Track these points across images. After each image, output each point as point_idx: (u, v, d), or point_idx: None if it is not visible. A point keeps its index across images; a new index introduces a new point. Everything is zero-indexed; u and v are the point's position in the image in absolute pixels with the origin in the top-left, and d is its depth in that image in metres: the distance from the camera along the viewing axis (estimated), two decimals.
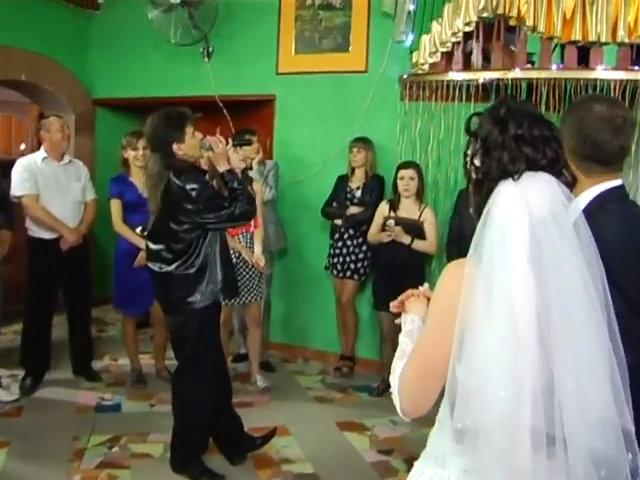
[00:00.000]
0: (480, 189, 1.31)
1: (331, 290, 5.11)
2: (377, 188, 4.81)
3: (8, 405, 4.09)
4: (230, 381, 3.50)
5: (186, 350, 3.14)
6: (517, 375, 1.20)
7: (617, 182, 1.66)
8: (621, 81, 3.98)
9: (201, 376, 3.16)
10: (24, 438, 3.64)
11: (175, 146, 2.99)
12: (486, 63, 4.41)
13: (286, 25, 5.35)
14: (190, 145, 3.03)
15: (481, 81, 4.37)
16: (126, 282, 4.38)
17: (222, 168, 3.08)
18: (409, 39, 4.82)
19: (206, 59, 5.61)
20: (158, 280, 3.17)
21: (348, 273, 4.83)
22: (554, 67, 4.15)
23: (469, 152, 1.33)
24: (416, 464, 1.52)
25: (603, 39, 3.97)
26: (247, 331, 4.71)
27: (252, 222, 4.08)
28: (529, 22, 4.10)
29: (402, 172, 4.42)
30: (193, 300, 3.06)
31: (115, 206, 4.38)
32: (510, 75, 4.24)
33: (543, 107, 4.04)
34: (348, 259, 4.82)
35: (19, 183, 4.24)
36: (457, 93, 4.47)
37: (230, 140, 3.21)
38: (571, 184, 1.29)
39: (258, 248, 4.36)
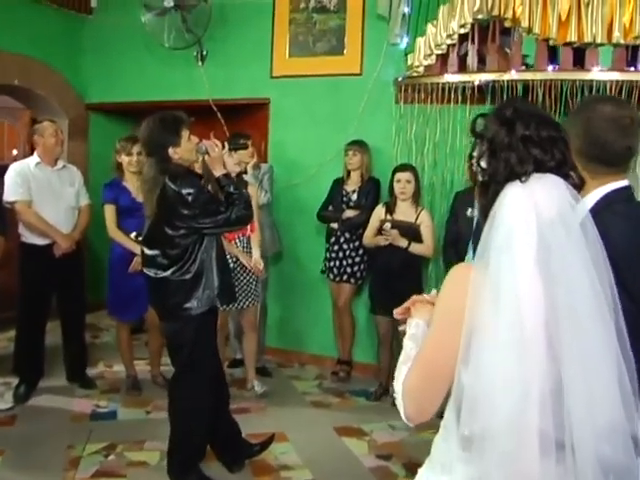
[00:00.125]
0: (486, 191, 1.29)
1: (327, 294, 5.08)
2: (373, 191, 4.79)
3: (2, 414, 4.04)
4: (227, 387, 3.46)
5: (183, 356, 3.10)
6: (525, 379, 1.18)
7: (623, 183, 1.64)
8: (617, 82, 3.98)
9: (198, 382, 3.12)
10: (18, 447, 3.59)
11: (171, 150, 2.96)
12: (481, 65, 4.40)
13: (280, 28, 5.32)
14: (186, 149, 3.00)
15: (477, 83, 4.35)
16: (120, 288, 4.34)
17: (218, 172, 3.05)
18: (404, 42, 4.82)
19: (200, 63, 5.58)
20: (154, 286, 3.13)
21: (344, 277, 4.81)
22: (550, 68, 4.14)
23: (475, 154, 1.31)
24: (420, 471, 1.50)
25: (599, 40, 3.96)
26: (243, 336, 4.67)
27: (248, 226, 4.04)
28: (524, 23, 4.09)
29: (398, 175, 4.39)
30: (189, 306, 3.02)
31: (109, 212, 4.34)
32: (506, 77, 4.23)
33: None
34: (344, 263, 4.79)
35: (12, 188, 4.19)
36: (452, 95, 4.46)
37: (226, 144, 3.17)
38: (579, 186, 1.26)
39: (256, 252, 4.34)
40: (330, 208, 4.90)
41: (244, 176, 4.42)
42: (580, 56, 4.08)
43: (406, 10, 4.76)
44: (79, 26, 6.13)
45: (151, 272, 3.09)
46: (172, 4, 5.26)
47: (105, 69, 6.07)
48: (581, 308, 1.19)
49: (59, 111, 5.92)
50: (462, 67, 4.45)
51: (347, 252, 4.79)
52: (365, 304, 4.91)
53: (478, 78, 4.35)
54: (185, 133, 2.99)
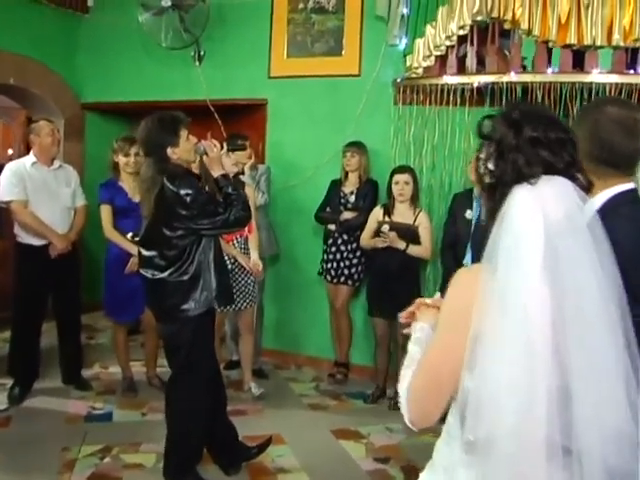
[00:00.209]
0: (494, 194, 1.27)
1: (324, 296, 5.06)
2: (371, 193, 4.77)
3: None
4: (224, 389, 3.43)
5: (180, 358, 3.07)
6: (531, 385, 1.17)
7: (629, 185, 1.63)
8: (616, 84, 3.98)
9: (195, 384, 3.09)
10: (12, 449, 3.56)
11: (169, 150, 2.93)
12: (480, 67, 4.39)
13: (278, 29, 5.30)
14: (184, 149, 2.97)
15: (476, 85, 4.35)
16: (117, 289, 4.31)
17: (217, 173, 3.02)
18: (402, 43, 4.80)
19: (197, 63, 5.55)
20: (151, 287, 3.10)
21: (342, 279, 4.79)
22: (549, 71, 4.13)
23: (482, 156, 1.29)
24: (422, 475, 1.49)
25: (598, 42, 3.97)
26: (239, 337, 4.65)
27: (246, 227, 4.02)
28: (524, 25, 4.09)
29: (397, 177, 4.38)
30: (187, 308, 2.99)
31: (105, 212, 4.31)
32: (505, 79, 4.22)
33: None
34: (342, 264, 4.77)
35: (7, 188, 4.16)
36: (451, 97, 4.45)
37: (225, 145, 3.15)
38: (587, 188, 1.25)
39: (254, 253, 4.32)
40: (328, 209, 4.87)
41: (241, 177, 4.38)
42: (580, 58, 4.08)
43: (405, 11, 4.75)
44: (76, 25, 6.10)
45: (148, 273, 3.06)
46: (170, 4, 5.23)
47: (102, 68, 6.03)
48: (589, 313, 1.17)
49: (55, 110, 5.88)
50: (461, 69, 4.44)
51: (345, 254, 4.77)
52: (362, 306, 4.89)
53: (477, 80, 4.35)
54: (183, 133, 2.97)
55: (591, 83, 4.01)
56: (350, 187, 4.82)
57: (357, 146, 4.78)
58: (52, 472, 3.34)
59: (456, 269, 4.31)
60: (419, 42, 4.52)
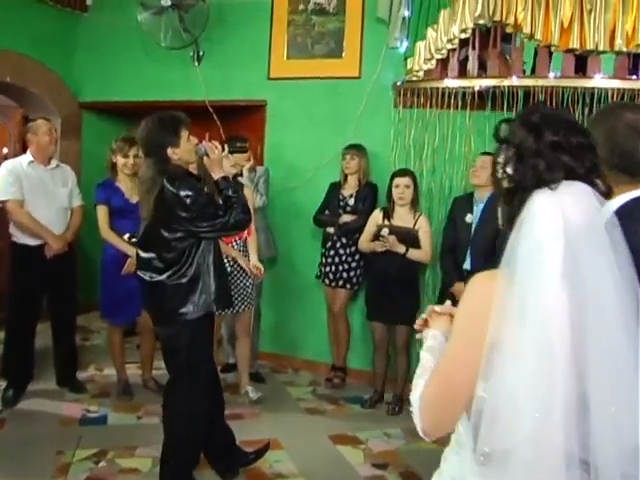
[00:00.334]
0: (512, 199, 1.24)
1: (322, 299, 5.03)
2: (370, 196, 4.74)
3: None
4: (222, 393, 3.39)
5: (178, 361, 3.02)
6: (550, 395, 1.14)
7: None
8: (618, 90, 3.97)
9: (194, 387, 3.05)
10: (5, 452, 3.51)
11: (170, 150, 2.89)
12: (481, 71, 4.37)
13: (278, 30, 5.27)
14: (185, 150, 2.93)
15: (477, 88, 4.33)
16: (113, 290, 4.26)
17: (217, 175, 2.98)
18: (403, 45, 4.77)
19: (196, 63, 5.51)
20: (148, 290, 3.06)
21: (340, 282, 4.75)
22: (551, 75, 4.11)
23: (500, 160, 1.26)
24: None
25: (601, 47, 3.96)
26: (236, 340, 4.60)
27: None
28: (526, 29, 4.08)
29: (397, 180, 4.34)
30: (185, 311, 2.95)
31: (102, 212, 4.26)
32: (506, 83, 4.21)
33: None
34: (340, 268, 4.73)
35: (3, 187, 4.11)
36: (452, 100, 4.43)
37: (226, 146, 3.11)
38: (605, 194, 1.22)
39: (254, 256, 4.29)
40: (326, 212, 4.84)
41: (239, 178, 4.37)
42: (582, 63, 4.06)
43: (406, 13, 4.72)
44: (74, 24, 6.04)
45: (146, 275, 3.02)
46: (169, 3, 5.19)
47: (100, 68, 5.98)
48: (608, 320, 1.15)
49: (52, 109, 5.82)
50: (462, 72, 4.42)
51: (343, 257, 4.73)
52: (360, 310, 4.86)
53: (478, 84, 4.32)
54: (184, 134, 2.93)
55: (593, 88, 4.01)
56: (349, 190, 4.79)
57: (357, 149, 4.75)
58: (46, 476, 3.28)
59: (456, 274, 4.31)
60: (420, 45, 4.50)
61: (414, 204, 4.38)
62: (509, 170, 1.24)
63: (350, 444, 3.90)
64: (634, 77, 3.98)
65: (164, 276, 2.97)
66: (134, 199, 4.24)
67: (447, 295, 4.10)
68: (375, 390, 4.56)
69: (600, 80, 4.00)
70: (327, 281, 4.81)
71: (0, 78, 5.39)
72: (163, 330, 3.12)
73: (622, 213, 1.53)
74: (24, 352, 4.30)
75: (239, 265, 4.25)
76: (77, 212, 4.43)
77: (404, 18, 4.73)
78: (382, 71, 4.87)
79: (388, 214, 4.40)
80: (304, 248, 5.18)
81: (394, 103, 4.78)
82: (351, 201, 4.76)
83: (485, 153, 4.11)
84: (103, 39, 5.93)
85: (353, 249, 4.70)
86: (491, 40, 4.29)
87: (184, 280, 2.95)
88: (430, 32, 4.42)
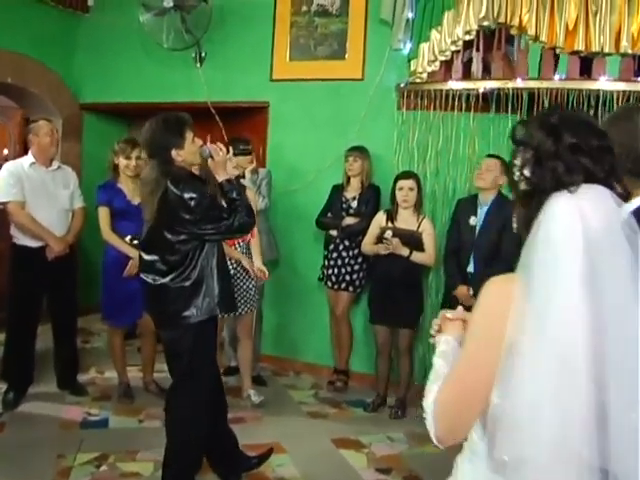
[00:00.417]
0: (529, 201, 1.21)
1: (324, 302, 5.00)
2: (373, 198, 4.71)
3: None
4: (225, 396, 3.36)
5: (181, 365, 2.99)
6: (567, 404, 1.12)
7: None
8: (624, 92, 3.93)
9: (196, 391, 3.01)
10: (6, 456, 3.47)
11: (174, 152, 2.86)
12: (485, 73, 4.35)
13: (281, 31, 5.25)
14: (189, 151, 2.90)
15: (481, 91, 4.30)
16: (115, 292, 4.23)
17: (221, 177, 2.95)
18: (407, 47, 4.75)
19: (198, 64, 5.49)
20: (151, 293, 3.02)
21: (343, 285, 4.72)
22: (556, 77, 4.09)
23: (517, 162, 1.24)
24: None
25: (606, 50, 3.93)
26: (238, 343, 4.57)
27: None
28: (531, 31, 4.05)
29: (401, 182, 4.31)
30: (189, 314, 2.91)
31: (103, 214, 4.23)
32: (511, 85, 4.18)
33: None
34: (343, 270, 4.70)
35: (5, 188, 4.08)
36: (456, 102, 4.40)
37: (231, 149, 3.08)
38: (624, 197, 1.19)
39: (258, 259, 4.26)
40: (329, 215, 4.81)
41: (242, 180, 4.34)
42: (587, 65, 4.04)
43: (410, 15, 4.70)
44: (75, 25, 6.02)
45: (149, 278, 2.99)
46: (171, 4, 5.17)
47: (101, 69, 5.96)
48: (628, 328, 1.12)
49: (53, 110, 5.80)
50: (466, 74, 4.39)
51: (346, 260, 4.70)
52: (363, 313, 4.83)
53: (483, 86, 4.30)
54: (189, 135, 2.90)
55: (598, 90, 3.97)
56: (352, 192, 4.76)
57: (360, 151, 4.72)
58: None
59: (459, 277, 4.27)
60: (424, 47, 4.47)
61: (418, 207, 4.36)
62: (526, 172, 1.22)
63: (353, 448, 3.87)
64: (639, 79, 3.95)
65: (167, 279, 2.93)
66: (136, 201, 4.22)
67: (451, 298, 4.09)
68: (378, 394, 4.53)
69: (605, 82, 3.97)
70: (330, 284, 4.78)
71: (1, 78, 5.37)
72: (166, 333, 3.09)
73: (637, 216, 1.51)
74: (24, 354, 4.27)
75: (242, 267, 4.22)
76: (78, 214, 4.40)
77: (408, 19, 4.70)
78: (385, 73, 4.85)
79: (392, 216, 4.37)
80: (306, 250, 5.15)
81: (397, 105, 4.76)
82: (354, 203, 4.73)
83: (490, 156, 4.09)
84: (104, 40, 5.91)
85: (356, 252, 4.67)
86: (495, 42, 4.27)
87: (187, 283, 2.92)
88: (434, 34, 4.39)
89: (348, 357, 4.92)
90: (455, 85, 4.38)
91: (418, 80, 4.55)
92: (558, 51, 4.06)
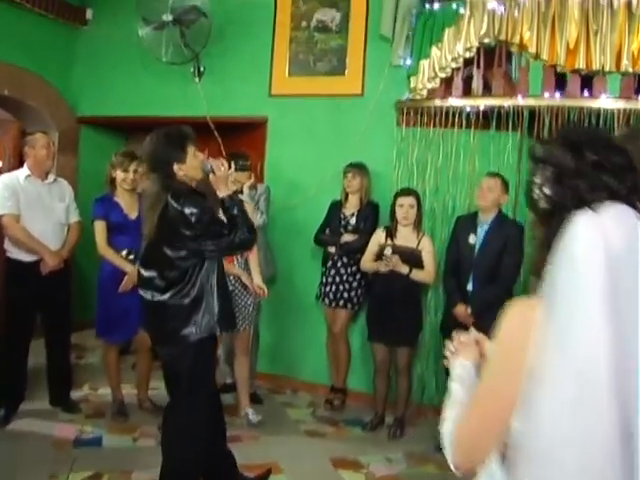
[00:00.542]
0: (550, 220, 1.18)
1: (321, 319, 4.95)
2: (372, 215, 4.68)
3: None
4: (223, 415, 3.29)
5: (179, 383, 2.93)
6: (591, 429, 1.08)
7: None
8: (624, 110, 3.93)
9: (195, 409, 2.95)
10: None
11: (175, 166, 2.81)
12: (486, 90, 4.34)
13: (280, 47, 5.24)
14: (191, 166, 2.86)
15: (481, 108, 4.29)
16: (110, 308, 4.16)
17: (222, 193, 2.91)
18: (407, 63, 4.73)
19: (197, 79, 5.47)
20: (150, 310, 2.96)
21: (341, 302, 4.67)
22: (557, 95, 4.08)
23: (537, 180, 1.20)
24: None
25: (607, 68, 3.93)
26: (234, 360, 4.50)
27: None
28: (532, 49, 4.06)
29: (401, 200, 4.28)
30: (187, 333, 2.85)
31: (100, 228, 4.18)
32: (511, 102, 4.17)
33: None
34: (341, 288, 4.66)
35: None
36: (456, 119, 4.39)
37: (232, 164, 3.05)
38: None
39: (257, 276, 4.20)
40: (327, 231, 4.78)
41: (240, 196, 4.29)
42: (588, 83, 4.04)
43: (410, 32, 4.69)
44: (73, 37, 6.01)
45: (147, 294, 2.93)
46: (171, 18, 5.16)
47: (98, 82, 5.94)
48: None
49: (50, 123, 5.77)
50: (466, 91, 4.38)
51: (344, 277, 4.66)
52: (361, 331, 4.78)
53: (483, 103, 4.29)
54: (191, 149, 2.85)
55: (599, 108, 3.97)
56: (351, 209, 4.73)
57: (358, 167, 4.69)
58: None
59: (458, 295, 4.21)
60: (424, 63, 4.47)
61: (417, 224, 4.32)
62: (547, 191, 1.19)
63: (351, 468, 3.81)
64: None
65: (166, 296, 2.87)
66: (133, 215, 4.18)
67: (450, 317, 4.04)
68: (376, 413, 4.46)
69: (606, 100, 3.97)
70: (327, 301, 4.73)
71: None
72: (164, 351, 3.02)
73: None
74: (17, 370, 4.20)
75: (240, 283, 4.17)
76: (74, 228, 4.35)
77: (408, 36, 4.70)
78: (385, 89, 4.83)
79: (391, 233, 4.34)
80: (304, 267, 5.11)
81: (397, 121, 4.74)
82: (352, 220, 4.70)
83: (490, 174, 4.06)
84: (102, 53, 5.90)
85: (354, 269, 4.63)
86: (496, 59, 4.27)
87: (187, 300, 2.86)
88: (434, 50, 4.39)
89: (345, 375, 4.86)
90: (455, 102, 4.37)
91: (418, 97, 4.54)
92: (559, 69, 4.05)
